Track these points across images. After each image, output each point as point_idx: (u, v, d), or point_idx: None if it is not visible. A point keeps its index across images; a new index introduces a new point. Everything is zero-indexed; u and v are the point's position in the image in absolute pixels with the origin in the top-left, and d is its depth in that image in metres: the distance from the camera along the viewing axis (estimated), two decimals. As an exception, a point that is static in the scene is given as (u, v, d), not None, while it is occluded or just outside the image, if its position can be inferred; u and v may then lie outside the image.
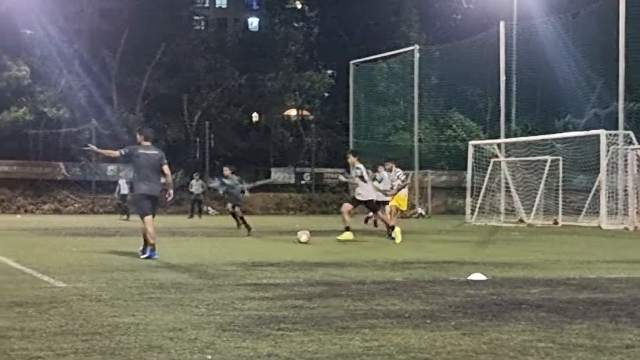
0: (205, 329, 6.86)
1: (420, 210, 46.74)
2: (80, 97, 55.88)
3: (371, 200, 20.59)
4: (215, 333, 6.67)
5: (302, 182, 59.17)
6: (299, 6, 72.02)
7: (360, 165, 20.32)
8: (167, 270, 12.25)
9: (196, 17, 70.85)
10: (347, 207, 20.55)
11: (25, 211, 50.55)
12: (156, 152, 14.81)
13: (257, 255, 15.59)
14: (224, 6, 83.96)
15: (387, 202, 23.32)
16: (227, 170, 25.09)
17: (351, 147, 52.22)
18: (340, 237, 19.93)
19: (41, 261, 13.44)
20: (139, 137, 14.91)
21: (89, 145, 15.95)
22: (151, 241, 14.36)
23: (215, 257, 14.96)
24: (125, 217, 37.91)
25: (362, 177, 20.10)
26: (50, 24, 54.33)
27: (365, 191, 20.23)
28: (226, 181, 24.84)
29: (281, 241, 20.71)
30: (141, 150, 14.58)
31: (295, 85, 63.25)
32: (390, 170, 22.69)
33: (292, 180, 59.23)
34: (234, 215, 24.81)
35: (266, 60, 62.85)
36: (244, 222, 23.98)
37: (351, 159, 20.80)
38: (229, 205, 25.11)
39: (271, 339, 6.42)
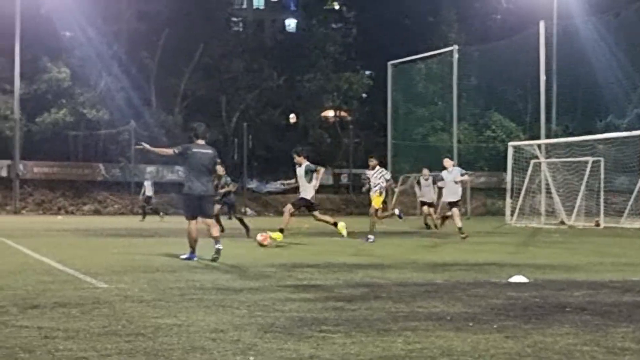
0: (247, 330, 6.86)
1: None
2: (119, 98, 56.32)
3: (304, 199, 19.37)
4: (257, 334, 6.66)
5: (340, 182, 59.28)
6: (337, 7, 72.05)
7: (309, 163, 19.30)
8: (207, 271, 12.28)
9: (234, 19, 71.12)
10: (318, 215, 19.83)
11: (66, 212, 51.03)
12: (210, 151, 14.58)
13: (296, 256, 15.58)
14: (262, 7, 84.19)
15: (455, 203, 23.05)
16: (220, 169, 23.23)
17: (389, 148, 52.18)
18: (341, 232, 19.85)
19: (83, 262, 13.53)
20: (192, 136, 14.69)
21: (142, 143, 15.62)
22: (192, 243, 14.26)
23: (254, 258, 14.98)
24: (160, 217, 38.00)
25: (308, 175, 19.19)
26: (89, 26, 54.77)
27: (307, 189, 19.30)
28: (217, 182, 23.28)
29: (320, 243, 20.69)
30: (195, 149, 14.34)
31: (333, 86, 63.35)
32: (373, 169, 22.18)
33: (330, 182, 59.25)
34: (239, 219, 23.78)
35: (304, 62, 63.00)
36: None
37: (298, 159, 19.35)
38: (217, 207, 22.99)
39: (313, 341, 6.41)
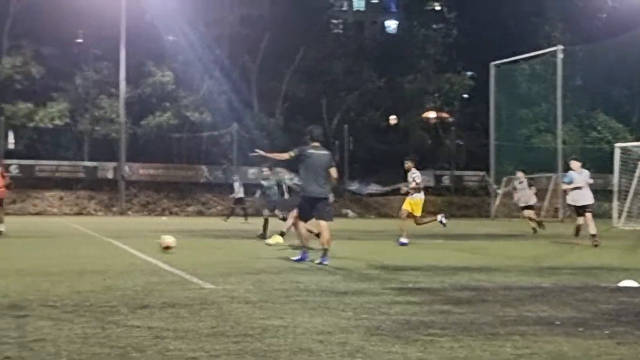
0: (353, 332, 6.85)
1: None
2: (221, 101, 57.08)
3: None
4: (364, 337, 6.64)
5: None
6: (438, 8, 71.63)
7: None
8: (310, 273, 12.29)
9: (334, 21, 71.35)
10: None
11: (170, 213, 51.90)
12: (326, 153, 14.43)
13: (400, 259, 15.51)
14: (362, 9, 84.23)
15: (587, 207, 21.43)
16: (266, 170, 22.92)
17: (492, 150, 51.59)
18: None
19: (189, 263, 13.69)
20: (307, 138, 14.47)
21: (257, 150, 15.54)
22: (304, 243, 14.25)
23: (358, 260, 14.94)
24: (224, 220, 38.13)
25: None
26: (192, 31, 55.67)
27: None
28: (264, 182, 22.70)
29: (422, 245, 20.58)
30: (311, 151, 14.17)
31: (434, 87, 63.02)
32: (408, 170, 21.55)
33: (432, 183, 59.00)
34: (266, 221, 22.60)
35: (404, 63, 62.85)
36: (264, 228, 21.66)
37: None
38: (266, 211, 22.68)
39: (420, 344, 6.36)
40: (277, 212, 21.91)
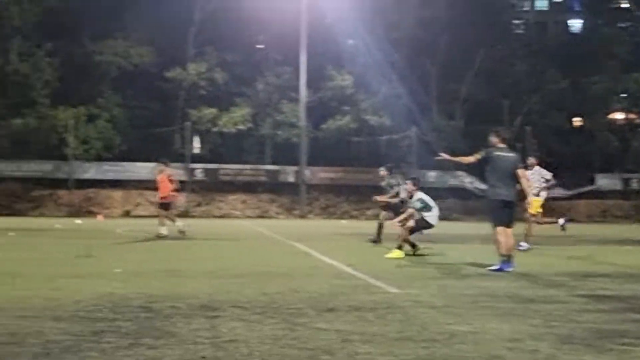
0: (543, 340, 6.69)
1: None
2: (400, 104, 57.03)
3: (427, 221, 17.36)
4: (555, 345, 6.48)
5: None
6: (625, 5, 69.28)
7: (422, 196, 17.47)
8: (496, 279, 12.08)
9: (515, 21, 70.21)
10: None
11: (350, 217, 52.32)
12: (512, 154, 13.93)
13: (586, 264, 15.10)
14: (545, 9, 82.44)
15: None
16: (382, 171, 21.67)
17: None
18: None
19: (371, 266, 13.75)
20: (494, 139, 13.93)
21: (441, 154, 15.24)
22: (503, 251, 13.44)
23: (543, 265, 14.64)
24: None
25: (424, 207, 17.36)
26: (370, 34, 55.84)
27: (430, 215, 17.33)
28: (382, 184, 21.52)
29: (609, 251, 19.96)
30: (497, 153, 13.68)
31: (621, 87, 61.02)
32: (531, 167, 20.30)
33: (619, 187, 57.20)
34: (380, 225, 21.44)
35: (589, 63, 61.10)
36: (379, 232, 20.66)
37: (410, 187, 17.59)
38: (383, 214, 21.41)
39: (614, 354, 6.16)
40: (383, 214, 21.37)
